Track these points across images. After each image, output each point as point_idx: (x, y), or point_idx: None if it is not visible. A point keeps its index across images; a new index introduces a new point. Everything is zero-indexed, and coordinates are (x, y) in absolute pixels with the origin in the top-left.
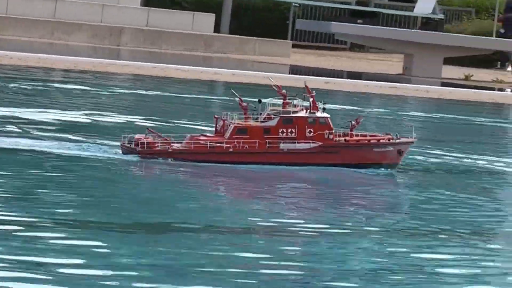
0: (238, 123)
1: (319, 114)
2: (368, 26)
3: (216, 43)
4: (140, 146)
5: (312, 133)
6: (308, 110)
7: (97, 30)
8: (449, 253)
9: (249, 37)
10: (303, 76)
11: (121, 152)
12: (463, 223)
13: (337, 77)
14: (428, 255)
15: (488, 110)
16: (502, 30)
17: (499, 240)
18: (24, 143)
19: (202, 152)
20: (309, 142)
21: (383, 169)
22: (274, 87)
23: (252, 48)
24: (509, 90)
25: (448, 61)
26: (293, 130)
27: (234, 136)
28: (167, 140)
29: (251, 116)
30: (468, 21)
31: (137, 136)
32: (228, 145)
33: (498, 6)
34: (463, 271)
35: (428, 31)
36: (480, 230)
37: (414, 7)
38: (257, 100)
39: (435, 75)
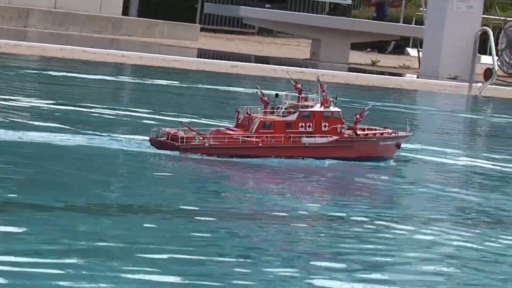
0: (263, 118)
1: (332, 108)
2: (276, 10)
3: (124, 26)
4: (180, 140)
5: (327, 127)
6: (322, 105)
7: (4, 11)
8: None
9: (157, 20)
10: (212, 60)
11: (154, 147)
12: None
13: (245, 61)
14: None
15: (393, 95)
16: (374, 14)
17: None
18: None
19: (237, 147)
20: (327, 137)
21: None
22: (292, 82)
23: (161, 31)
24: (415, 76)
25: (356, 46)
26: (311, 125)
27: (260, 131)
28: (201, 134)
29: (273, 110)
30: None
31: (168, 130)
32: (257, 140)
33: None
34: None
35: (336, 17)
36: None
37: None
38: (274, 94)
39: (342, 60)
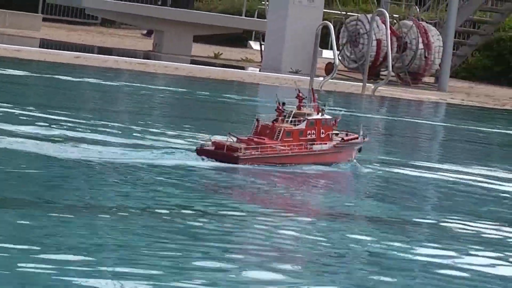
0: (286, 126)
1: (326, 116)
2: (119, 1)
3: None
4: (239, 151)
5: (323, 134)
6: (319, 112)
7: None
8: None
9: None
10: (55, 50)
11: (206, 158)
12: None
13: (88, 52)
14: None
15: (236, 88)
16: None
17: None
18: None
19: (282, 156)
20: (327, 143)
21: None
22: (296, 90)
23: (2, 20)
24: (257, 69)
25: (201, 39)
26: (314, 132)
27: (284, 139)
28: (243, 140)
29: (283, 118)
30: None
31: (214, 139)
32: (289, 148)
33: None
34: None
35: (179, 9)
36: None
37: None
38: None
39: (185, 52)
